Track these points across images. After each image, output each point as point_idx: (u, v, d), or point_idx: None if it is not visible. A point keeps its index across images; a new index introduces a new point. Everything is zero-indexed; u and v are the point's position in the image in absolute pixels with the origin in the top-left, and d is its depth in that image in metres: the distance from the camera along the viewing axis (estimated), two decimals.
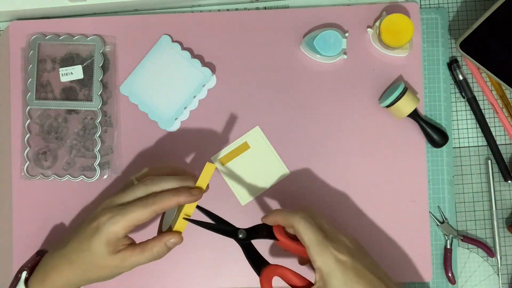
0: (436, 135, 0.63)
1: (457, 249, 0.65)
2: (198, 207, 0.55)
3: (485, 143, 0.66)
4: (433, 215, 0.65)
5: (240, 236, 0.56)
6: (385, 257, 0.64)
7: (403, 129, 0.65)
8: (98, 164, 0.65)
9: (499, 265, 0.66)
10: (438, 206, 0.65)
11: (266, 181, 0.65)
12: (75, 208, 0.65)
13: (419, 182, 0.65)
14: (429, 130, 0.63)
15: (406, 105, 0.62)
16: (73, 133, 0.65)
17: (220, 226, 0.56)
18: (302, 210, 0.55)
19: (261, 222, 0.57)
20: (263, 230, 0.57)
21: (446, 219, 0.65)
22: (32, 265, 0.56)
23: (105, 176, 0.65)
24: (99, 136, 0.65)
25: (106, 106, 0.66)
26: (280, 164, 0.65)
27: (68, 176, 0.65)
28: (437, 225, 0.65)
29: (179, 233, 0.54)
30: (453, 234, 0.65)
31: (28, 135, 0.65)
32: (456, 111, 0.67)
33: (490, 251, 0.65)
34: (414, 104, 0.62)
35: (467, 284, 0.66)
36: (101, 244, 0.51)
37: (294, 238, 0.56)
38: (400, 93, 0.61)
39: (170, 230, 0.54)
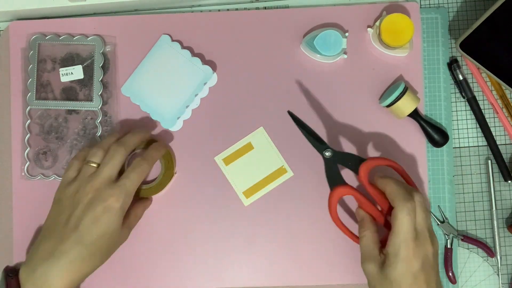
0: (436, 135, 0.63)
1: (457, 249, 0.65)
2: (293, 118, 0.61)
3: (485, 143, 0.66)
4: (434, 215, 0.65)
5: (326, 154, 0.60)
6: None
7: (403, 129, 0.65)
8: None
9: (499, 265, 0.66)
10: (438, 205, 0.65)
11: (269, 182, 0.65)
12: None
13: (420, 182, 0.65)
14: (429, 129, 0.63)
15: (406, 105, 0.62)
16: (74, 133, 0.65)
17: (314, 137, 0.61)
18: (410, 200, 0.53)
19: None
20: (349, 161, 0.61)
21: (446, 218, 0.65)
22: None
23: None
24: (100, 136, 0.65)
25: (106, 106, 0.65)
26: (283, 165, 0.65)
27: None
28: (438, 224, 0.65)
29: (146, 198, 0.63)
30: (453, 233, 0.65)
31: (28, 135, 0.65)
32: (456, 111, 0.67)
33: (490, 251, 0.65)
34: (414, 104, 0.62)
35: (467, 284, 0.66)
36: (120, 222, 0.54)
37: (375, 187, 0.59)
38: (400, 93, 0.61)
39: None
